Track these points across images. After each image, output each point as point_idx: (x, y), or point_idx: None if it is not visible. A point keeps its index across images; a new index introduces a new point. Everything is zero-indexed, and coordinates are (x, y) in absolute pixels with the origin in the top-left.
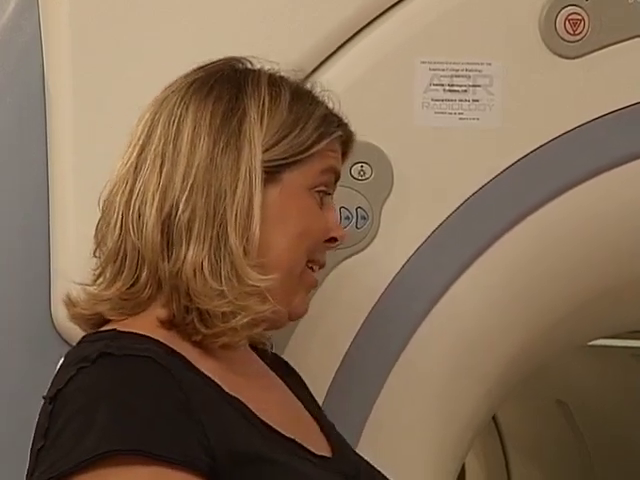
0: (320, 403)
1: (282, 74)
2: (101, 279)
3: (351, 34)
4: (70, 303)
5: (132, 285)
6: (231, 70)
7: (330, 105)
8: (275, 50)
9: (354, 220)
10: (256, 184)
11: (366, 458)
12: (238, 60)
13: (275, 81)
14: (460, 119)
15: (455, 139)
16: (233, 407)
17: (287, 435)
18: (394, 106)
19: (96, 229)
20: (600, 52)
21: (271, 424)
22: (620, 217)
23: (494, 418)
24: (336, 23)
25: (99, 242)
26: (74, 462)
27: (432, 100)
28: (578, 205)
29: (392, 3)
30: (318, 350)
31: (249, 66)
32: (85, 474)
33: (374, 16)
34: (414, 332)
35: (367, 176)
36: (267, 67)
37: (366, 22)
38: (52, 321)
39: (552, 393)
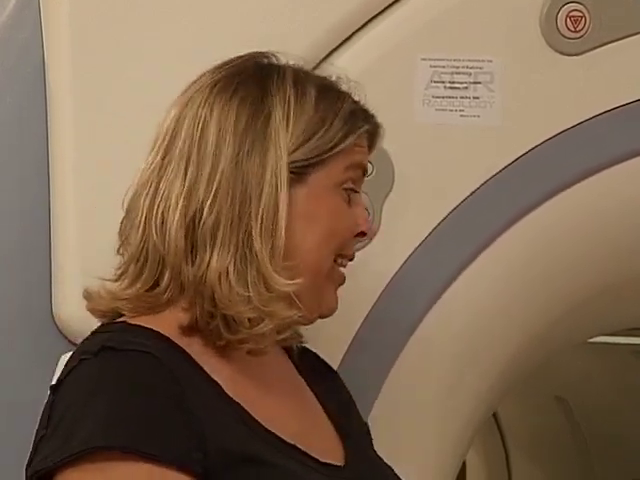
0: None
1: (307, 69)
2: (123, 278)
3: (352, 31)
4: (89, 297)
5: (152, 287)
6: (255, 68)
7: (357, 98)
8: (275, 48)
9: None
10: (282, 187)
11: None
12: (263, 55)
13: (300, 79)
14: (461, 116)
15: (456, 136)
16: (233, 410)
17: (288, 441)
18: (395, 103)
19: (120, 228)
20: (601, 49)
21: (273, 430)
22: (620, 214)
23: (494, 415)
24: (336, 21)
25: (123, 241)
26: (64, 455)
27: (433, 97)
28: (578, 203)
29: (392, 0)
30: (318, 347)
31: (274, 61)
32: (74, 467)
33: (375, 13)
34: (415, 329)
35: (368, 173)
36: (292, 62)
37: (367, 19)
38: (53, 319)
39: (552, 390)
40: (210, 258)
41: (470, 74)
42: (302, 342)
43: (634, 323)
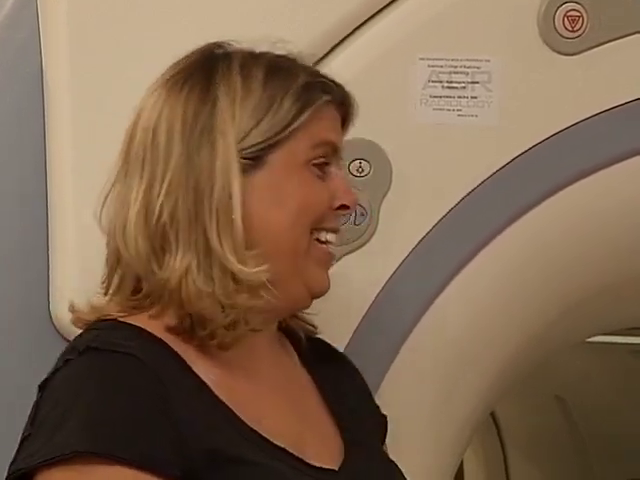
0: None
1: (262, 50)
2: (108, 291)
3: (349, 31)
4: (74, 311)
5: (133, 293)
6: (205, 60)
7: (319, 70)
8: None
9: (353, 217)
10: (233, 178)
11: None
12: (217, 45)
13: (247, 63)
14: (458, 116)
15: (454, 136)
16: (219, 411)
17: (276, 443)
18: (392, 103)
19: (107, 240)
20: (599, 49)
21: (262, 431)
22: (618, 214)
23: (492, 414)
24: (334, 20)
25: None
26: (45, 457)
27: (430, 97)
28: (576, 202)
29: (390, 0)
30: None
31: (227, 50)
32: (55, 468)
33: (372, 13)
34: (413, 329)
35: (366, 173)
36: (247, 47)
37: (364, 19)
38: (51, 320)
39: (550, 389)
40: (174, 259)
41: (468, 74)
42: (314, 333)
43: (633, 323)
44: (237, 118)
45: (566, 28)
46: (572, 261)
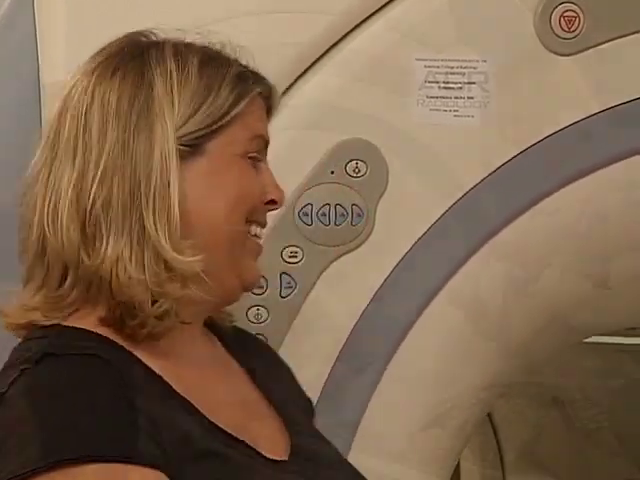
0: (314, 402)
1: (189, 40)
2: (30, 285)
3: (346, 31)
4: (2, 314)
5: (58, 288)
6: (133, 47)
7: (244, 62)
8: (271, 48)
9: (349, 217)
10: (171, 164)
11: (357, 457)
12: (141, 34)
13: (180, 50)
14: (455, 116)
15: (450, 136)
16: (180, 404)
17: (237, 436)
18: (389, 103)
19: (18, 231)
20: (595, 49)
21: (219, 424)
22: (616, 213)
23: (489, 415)
24: (331, 20)
25: (23, 246)
26: (18, 473)
27: (427, 97)
28: (573, 202)
29: (387, 0)
30: (314, 347)
31: (153, 39)
32: None
33: (369, 13)
34: (410, 329)
35: (362, 173)
36: (172, 36)
37: (361, 19)
38: None
39: (548, 390)
40: (106, 247)
41: (464, 74)
42: (232, 321)
43: (632, 323)
44: (175, 104)
45: (562, 28)
46: (571, 260)
